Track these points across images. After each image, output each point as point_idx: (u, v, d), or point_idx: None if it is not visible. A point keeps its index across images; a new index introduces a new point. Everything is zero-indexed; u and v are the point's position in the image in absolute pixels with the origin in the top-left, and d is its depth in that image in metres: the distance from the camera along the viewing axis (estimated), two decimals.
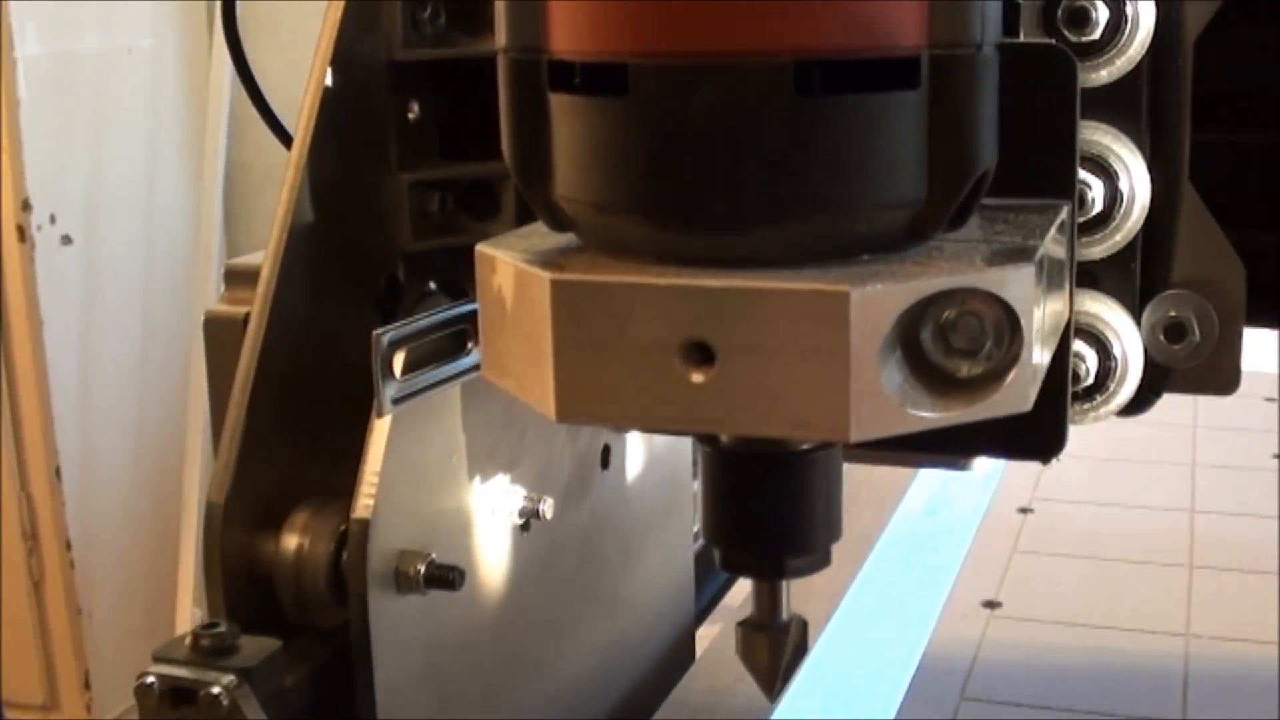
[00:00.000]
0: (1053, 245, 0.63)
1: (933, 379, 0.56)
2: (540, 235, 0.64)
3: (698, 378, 0.55)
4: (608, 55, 0.56)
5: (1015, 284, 0.56)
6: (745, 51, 0.54)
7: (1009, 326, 0.56)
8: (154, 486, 2.74)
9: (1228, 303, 0.83)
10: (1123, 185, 0.78)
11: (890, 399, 0.55)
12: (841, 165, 0.55)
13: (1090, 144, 0.78)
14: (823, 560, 0.67)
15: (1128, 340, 0.81)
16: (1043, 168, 0.69)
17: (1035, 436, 0.74)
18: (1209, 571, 1.49)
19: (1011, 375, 0.56)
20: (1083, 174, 0.77)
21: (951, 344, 0.56)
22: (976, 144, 0.57)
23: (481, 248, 0.64)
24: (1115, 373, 0.81)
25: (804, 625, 0.71)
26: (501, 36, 0.60)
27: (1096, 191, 0.78)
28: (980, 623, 1.38)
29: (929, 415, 0.56)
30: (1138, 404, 0.83)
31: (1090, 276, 0.81)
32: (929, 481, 1.72)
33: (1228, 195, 0.82)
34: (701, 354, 0.55)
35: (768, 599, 0.69)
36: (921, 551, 1.54)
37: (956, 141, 0.56)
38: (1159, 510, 1.67)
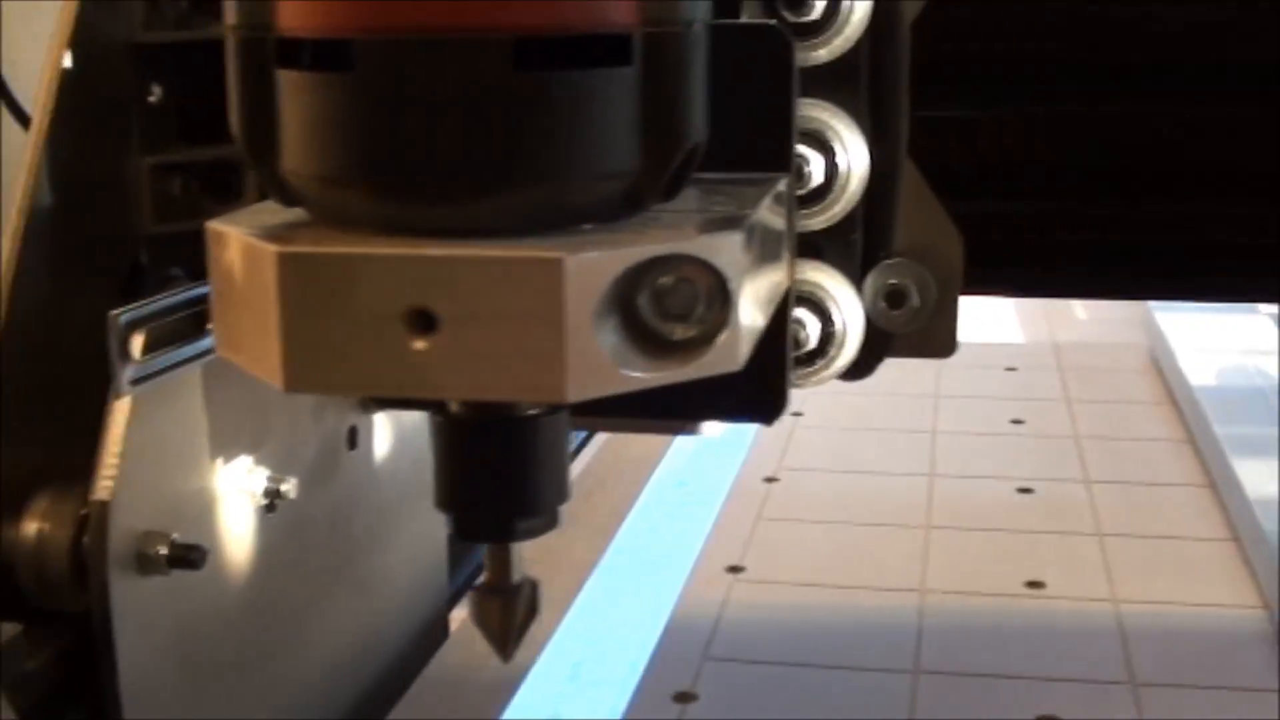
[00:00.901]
0: (768, 215, 0.66)
1: (649, 342, 0.58)
2: (271, 212, 0.65)
3: (420, 345, 0.57)
4: (333, 32, 0.57)
5: (724, 250, 0.58)
6: (467, 28, 0.55)
7: (719, 291, 0.59)
8: None
9: (946, 270, 0.87)
10: (840, 160, 0.82)
11: (605, 361, 0.57)
12: (559, 138, 0.57)
13: (809, 120, 0.81)
14: (551, 522, 0.69)
15: (848, 307, 0.84)
16: (761, 143, 0.72)
17: (758, 399, 0.77)
18: (945, 531, 1.55)
19: (722, 337, 0.59)
20: (801, 149, 0.80)
21: (667, 309, 0.59)
22: (687, 118, 0.60)
23: (212, 224, 0.64)
24: (836, 338, 0.84)
25: (535, 586, 0.72)
26: (230, 14, 0.61)
27: (815, 165, 0.81)
28: (724, 587, 1.42)
29: (642, 375, 0.58)
30: (860, 368, 0.87)
31: (813, 247, 0.84)
32: (680, 455, 1.76)
33: (947, 167, 0.87)
34: (424, 321, 0.57)
35: (498, 563, 0.71)
36: (670, 521, 1.57)
37: (668, 115, 0.59)
38: (899, 476, 1.73)
